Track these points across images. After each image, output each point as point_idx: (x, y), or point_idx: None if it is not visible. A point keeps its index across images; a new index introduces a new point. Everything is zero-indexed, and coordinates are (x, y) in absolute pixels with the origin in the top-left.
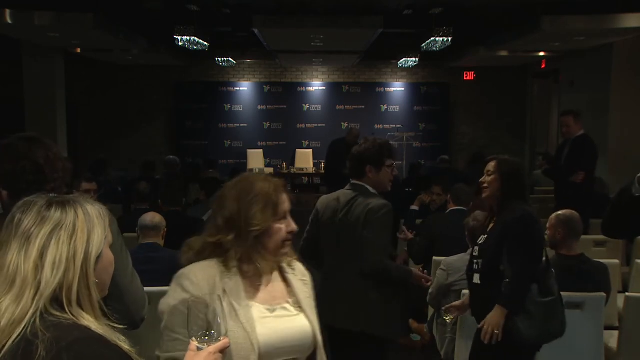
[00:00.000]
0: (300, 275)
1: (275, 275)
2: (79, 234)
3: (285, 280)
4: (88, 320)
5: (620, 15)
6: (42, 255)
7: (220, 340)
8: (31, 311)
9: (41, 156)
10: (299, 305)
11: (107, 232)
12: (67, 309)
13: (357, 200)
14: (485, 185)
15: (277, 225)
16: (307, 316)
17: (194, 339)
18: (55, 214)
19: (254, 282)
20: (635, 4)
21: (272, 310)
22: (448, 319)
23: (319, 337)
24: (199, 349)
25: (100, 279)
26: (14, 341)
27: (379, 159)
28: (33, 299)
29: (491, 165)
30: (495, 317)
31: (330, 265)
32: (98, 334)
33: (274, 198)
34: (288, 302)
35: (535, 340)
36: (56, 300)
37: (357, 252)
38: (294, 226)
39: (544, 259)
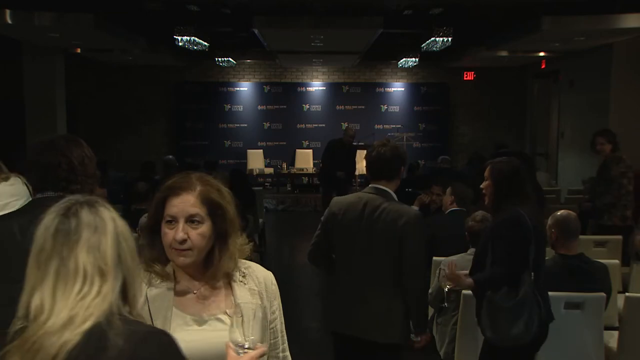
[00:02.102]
0: (251, 284)
1: (222, 281)
2: (126, 234)
3: (231, 288)
4: (140, 317)
5: (620, 15)
6: (116, 250)
7: (257, 346)
8: (104, 306)
9: (77, 156)
10: (241, 316)
11: None
12: (127, 305)
13: (385, 206)
14: (483, 191)
15: (164, 229)
16: (242, 330)
17: (231, 344)
18: (105, 213)
19: (187, 290)
20: (635, 4)
21: (202, 322)
22: (446, 287)
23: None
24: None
25: None
26: (84, 334)
27: (407, 160)
28: (101, 296)
29: (486, 171)
30: (463, 280)
31: (350, 271)
32: (157, 327)
33: (162, 194)
34: (226, 313)
35: (501, 343)
36: (118, 297)
37: (386, 260)
38: (180, 236)
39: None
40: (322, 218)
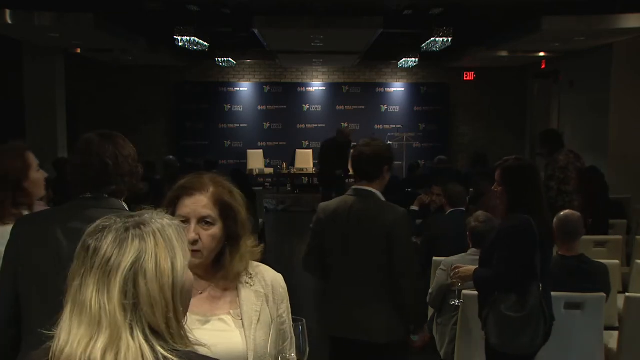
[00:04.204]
0: (257, 286)
1: (228, 282)
2: (162, 264)
3: (237, 289)
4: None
5: (620, 16)
6: (125, 293)
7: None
8: (146, 350)
9: (110, 156)
10: (241, 319)
11: (187, 249)
12: (169, 343)
13: (370, 208)
14: (498, 195)
15: None
16: (244, 332)
17: None
18: (133, 244)
19: (193, 291)
20: (635, 4)
21: (205, 322)
22: (458, 284)
23: (251, 358)
24: None
25: (184, 304)
26: None
27: (392, 159)
28: (134, 338)
29: (497, 174)
30: (467, 270)
31: (344, 275)
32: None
33: (172, 194)
34: (230, 314)
35: (503, 350)
36: (159, 333)
37: (378, 261)
38: (191, 236)
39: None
40: (311, 226)
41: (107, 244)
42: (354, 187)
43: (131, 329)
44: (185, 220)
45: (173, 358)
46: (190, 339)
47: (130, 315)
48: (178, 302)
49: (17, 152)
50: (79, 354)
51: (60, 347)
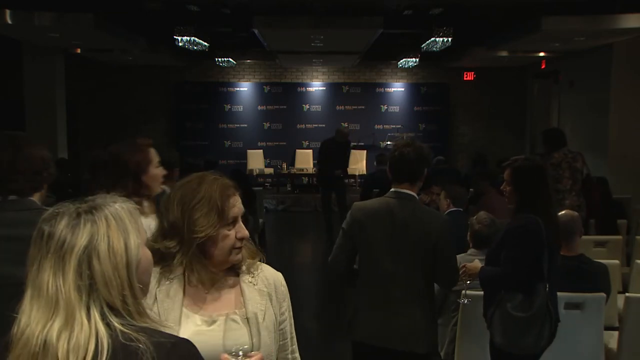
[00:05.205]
0: (260, 285)
1: (232, 282)
2: (115, 245)
3: (240, 289)
4: (147, 317)
5: (620, 16)
6: (80, 275)
7: (252, 354)
8: (100, 328)
9: (6, 155)
10: (246, 318)
11: (141, 230)
12: (127, 319)
13: (413, 212)
14: (506, 195)
15: (225, 232)
16: (250, 331)
17: (227, 355)
18: (85, 227)
19: (199, 291)
20: (635, 4)
21: (211, 322)
22: (466, 282)
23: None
24: None
25: (142, 281)
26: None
27: (430, 160)
28: (89, 318)
29: (507, 174)
30: (474, 267)
31: (382, 280)
32: (178, 336)
33: (219, 202)
34: (236, 314)
35: (507, 350)
36: (118, 310)
37: (419, 267)
38: (244, 232)
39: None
40: (343, 225)
41: (60, 229)
42: (394, 189)
43: (87, 308)
44: (234, 221)
45: (129, 332)
46: (151, 316)
47: (86, 296)
48: (134, 279)
49: (139, 146)
50: (36, 334)
51: (20, 329)
